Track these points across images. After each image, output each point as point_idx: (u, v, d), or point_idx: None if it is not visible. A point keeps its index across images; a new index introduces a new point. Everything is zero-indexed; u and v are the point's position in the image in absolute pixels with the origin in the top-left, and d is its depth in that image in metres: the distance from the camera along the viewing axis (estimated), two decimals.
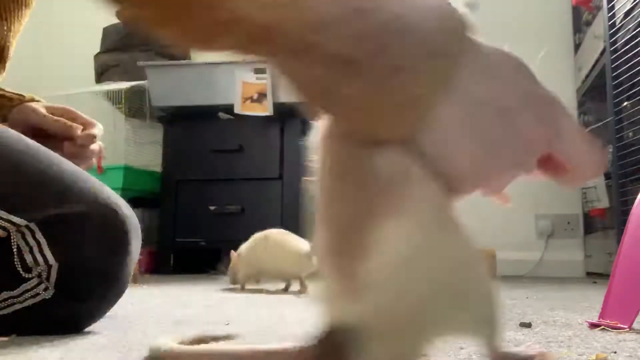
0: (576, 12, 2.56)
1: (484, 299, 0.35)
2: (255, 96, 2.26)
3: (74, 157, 0.77)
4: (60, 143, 0.79)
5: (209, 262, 2.51)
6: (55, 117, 0.80)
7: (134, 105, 2.59)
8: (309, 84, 0.31)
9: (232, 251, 1.47)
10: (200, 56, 2.94)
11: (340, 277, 0.34)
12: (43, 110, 0.81)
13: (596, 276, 2.20)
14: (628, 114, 1.76)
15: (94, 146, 0.83)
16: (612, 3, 1.82)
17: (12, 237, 0.64)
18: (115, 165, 2.38)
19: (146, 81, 2.47)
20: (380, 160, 0.33)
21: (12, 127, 0.76)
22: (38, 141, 0.73)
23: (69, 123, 0.80)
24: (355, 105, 0.31)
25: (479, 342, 0.37)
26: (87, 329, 0.71)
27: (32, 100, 0.83)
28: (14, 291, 0.65)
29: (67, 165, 0.71)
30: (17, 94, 0.82)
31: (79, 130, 0.80)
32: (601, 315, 0.76)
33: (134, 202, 0.70)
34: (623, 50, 1.74)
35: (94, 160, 0.84)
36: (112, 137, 2.55)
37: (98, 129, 0.83)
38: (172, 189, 2.42)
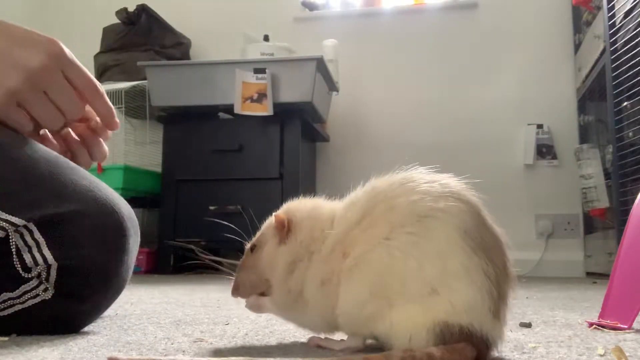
0: (576, 12, 2.56)
1: None
2: (255, 96, 2.26)
3: (79, 146, 0.78)
4: (59, 140, 0.79)
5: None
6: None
7: (134, 105, 2.59)
8: None
9: None
10: (200, 56, 2.95)
11: None
12: None
13: (596, 276, 2.20)
14: (628, 114, 1.76)
15: (104, 147, 0.83)
16: (612, 3, 1.82)
17: (10, 238, 0.64)
18: (115, 165, 2.37)
19: (146, 81, 2.47)
20: None
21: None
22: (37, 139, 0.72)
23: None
24: None
25: None
26: (86, 329, 0.71)
27: None
28: (14, 292, 0.65)
29: (64, 163, 0.70)
30: None
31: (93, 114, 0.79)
32: (601, 315, 0.76)
33: (134, 202, 0.69)
34: (623, 50, 1.74)
35: (98, 164, 0.84)
36: (112, 137, 2.54)
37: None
38: (172, 189, 2.42)
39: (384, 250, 0.50)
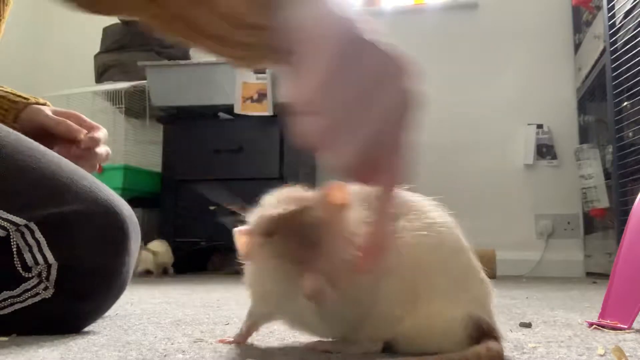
0: (576, 12, 2.56)
1: None
2: (255, 96, 2.26)
3: (79, 160, 0.78)
4: (68, 145, 0.80)
5: (208, 261, 2.51)
6: (60, 119, 0.81)
7: (134, 105, 2.59)
8: None
9: None
10: (200, 56, 2.95)
11: None
12: (49, 112, 0.82)
13: (596, 276, 2.20)
14: (628, 114, 1.76)
15: (101, 150, 0.83)
16: (612, 3, 1.82)
17: (11, 237, 0.64)
18: (115, 165, 2.38)
19: (146, 81, 2.47)
20: None
21: (21, 129, 0.76)
22: (45, 143, 0.73)
23: (73, 125, 0.80)
24: None
25: None
26: (87, 329, 0.71)
27: (37, 103, 0.83)
28: (14, 291, 0.65)
29: (65, 164, 0.71)
30: (20, 97, 0.83)
31: (82, 133, 0.81)
32: (601, 315, 0.76)
33: (134, 202, 0.70)
34: (623, 50, 1.74)
35: (99, 165, 0.85)
36: (112, 137, 2.55)
37: (102, 133, 0.84)
38: (172, 189, 2.42)
39: (408, 249, 0.50)
